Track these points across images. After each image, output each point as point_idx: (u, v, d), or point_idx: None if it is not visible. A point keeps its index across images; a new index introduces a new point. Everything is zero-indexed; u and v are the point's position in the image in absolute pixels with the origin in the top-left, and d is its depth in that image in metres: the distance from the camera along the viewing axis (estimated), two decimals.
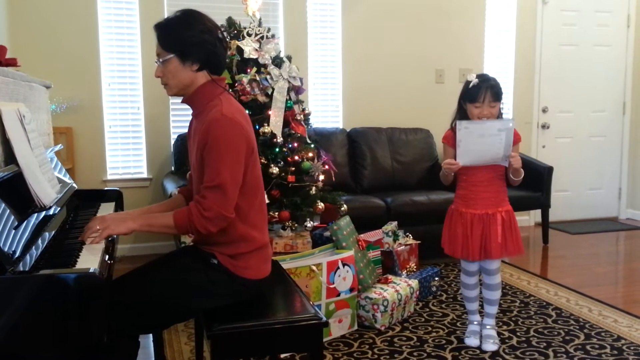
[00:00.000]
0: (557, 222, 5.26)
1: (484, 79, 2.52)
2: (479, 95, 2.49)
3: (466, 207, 2.60)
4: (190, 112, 1.95)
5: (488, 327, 2.73)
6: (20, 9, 3.98)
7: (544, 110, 5.34)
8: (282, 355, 2.57)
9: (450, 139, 2.58)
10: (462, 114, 2.58)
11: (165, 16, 1.91)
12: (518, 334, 2.86)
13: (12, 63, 2.08)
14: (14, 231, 1.45)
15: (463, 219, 2.60)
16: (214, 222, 1.75)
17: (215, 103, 1.83)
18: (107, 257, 1.65)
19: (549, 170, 4.55)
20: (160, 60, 1.83)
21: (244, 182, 1.82)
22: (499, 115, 2.56)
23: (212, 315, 1.82)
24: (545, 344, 2.74)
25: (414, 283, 3.17)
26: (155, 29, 1.84)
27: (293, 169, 3.16)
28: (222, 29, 2.37)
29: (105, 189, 2.60)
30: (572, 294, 3.45)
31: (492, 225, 2.56)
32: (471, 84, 2.52)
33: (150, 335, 2.40)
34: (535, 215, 5.23)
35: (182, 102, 1.93)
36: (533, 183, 4.30)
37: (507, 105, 5.03)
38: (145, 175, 4.36)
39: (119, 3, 4.19)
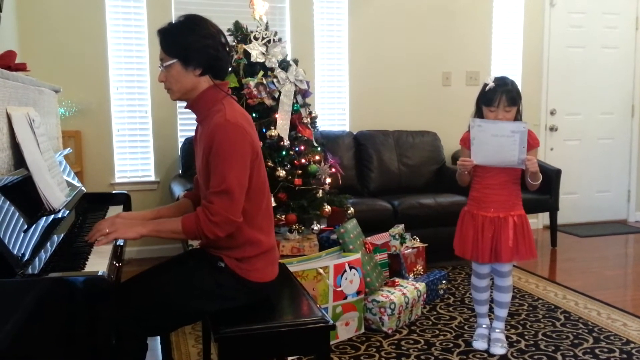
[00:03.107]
0: (566, 225, 5.24)
1: (500, 83, 2.50)
2: (494, 99, 2.49)
3: (478, 209, 2.60)
4: None
5: (497, 330, 2.72)
6: (29, 15, 4.02)
7: (552, 113, 5.32)
8: (289, 358, 2.57)
9: (467, 140, 2.57)
10: (479, 116, 2.58)
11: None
12: (526, 337, 2.85)
13: (21, 68, 2.10)
14: (23, 234, 1.47)
15: (475, 220, 2.60)
16: (222, 227, 1.76)
17: (219, 108, 1.84)
18: (115, 260, 1.66)
19: (557, 172, 4.53)
20: (163, 65, 1.85)
21: (250, 186, 1.83)
22: (518, 118, 2.55)
23: (220, 317, 1.82)
24: (553, 348, 2.72)
25: (421, 286, 3.16)
26: (159, 34, 1.86)
27: (300, 172, 3.16)
28: (228, 33, 2.37)
29: (114, 192, 2.62)
30: (581, 297, 3.43)
31: (503, 228, 2.55)
32: (487, 87, 2.52)
33: (158, 337, 2.41)
34: (544, 218, 5.20)
35: (186, 107, 1.95)
36: (541, 186, 4.21)
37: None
38: (152, 179, 4.38)
39: (127, 8, 4.22)
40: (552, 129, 5.33)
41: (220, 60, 1.87)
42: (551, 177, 4.49)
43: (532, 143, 2.52)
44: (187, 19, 1.85)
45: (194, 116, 1.95)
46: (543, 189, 4.38)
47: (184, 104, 1.96)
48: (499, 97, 2.48)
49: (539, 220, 5.33)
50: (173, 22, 1.86)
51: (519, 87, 2.53)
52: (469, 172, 2.61)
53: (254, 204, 1.86)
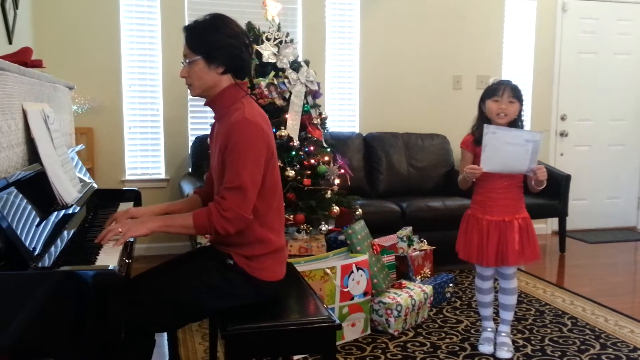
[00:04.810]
0: (575, 230, 5.21)
1: (504, 80, 2.59)
2: (499, 89, 2.53)
3: (483, 213, 2.60)
4: (210, 114, 1.98)
5: (503, 334, 2.72)
6: (45, 12, 4.06)
7: (563, 118, 5.30)
8: (295, 357, 2.58)
9: (469, 144, 2.59)
10: (482, 119, 2.59)
11: (187, 20, 1.95)
12: (533, 342, 2.84)
13: (37, 64, 2.12)
14: (35, 228, 1.49)
15: (479, 224, 2.60)
16: (233, 223, 1.78)
17: (238, 106, 1.86)
18: (125, 256, 1.68)
19: (567, 178, 4.51)
20: (187, 61, 1.88)
21: (263, 185, 1.84)
22: (519, 122, 2.57)
23: (227, 315, 1.84)
24: (560, 353, 2.72)
25: (428, 289, 3.16)
26: (184, 31, 1.89)
27: (309, 172, 3.18)
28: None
29: (124, 189, 2.64)
30: (588, 304, 3.42)
31: (508, 232, 2.55)
32: (491, 82, 2.58)
33: (165, 334, 2.43)
34: (553, 223, 5.18)
35: (205, 104, 1.97)
36: (550, 191, 4.25)
37: (525, 112, 4.99)
38: (162, 176, 4.41)
39: (141, 7, 4.25)
40: (563, 134, 5.31)
41: (243, 60, 1.90)
42: (561, 182, 4.47)
43: None
44: (214, 17, 1.88)
45: (206, 115, 1.98)
46: (552, 194, 4.38)
47: (196, 102, 1.98)
48: (504, 88, 2.53)
49: (548, 226, 5.31)
50: (199, 19, 1.89)
51: (530, 91, 2.55)
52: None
53: (266, 203, 1.88)
